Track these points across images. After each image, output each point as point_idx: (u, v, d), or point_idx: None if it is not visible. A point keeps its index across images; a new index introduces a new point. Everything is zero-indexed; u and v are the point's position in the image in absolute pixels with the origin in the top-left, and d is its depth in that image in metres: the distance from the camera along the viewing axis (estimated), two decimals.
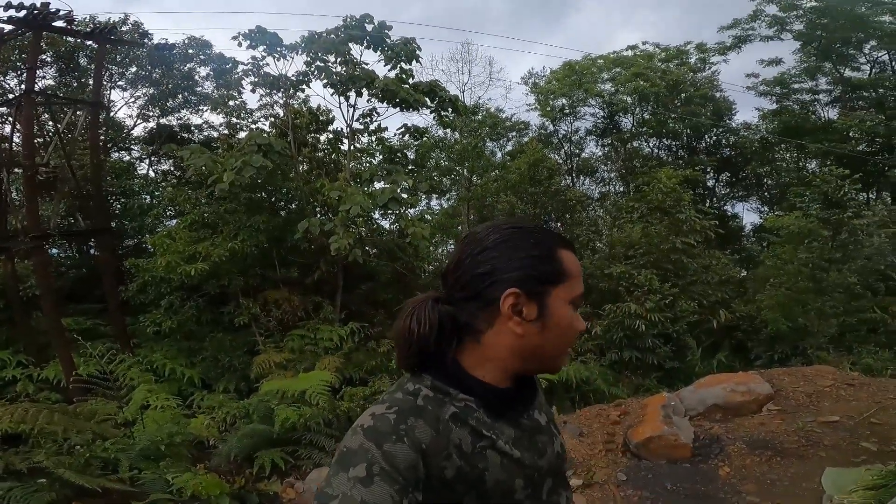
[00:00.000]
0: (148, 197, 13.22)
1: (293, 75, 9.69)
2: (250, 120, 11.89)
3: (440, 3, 34.12)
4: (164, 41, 12.22)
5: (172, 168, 14.82)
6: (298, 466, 5.29)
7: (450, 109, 9.71)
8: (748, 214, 18.57)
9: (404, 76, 9.19)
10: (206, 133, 14.82)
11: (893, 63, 16.65)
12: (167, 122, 14.73)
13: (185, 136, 14.56)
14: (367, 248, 10.43)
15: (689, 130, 16.99)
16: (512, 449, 0.91)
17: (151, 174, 15.22)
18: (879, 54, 16.69)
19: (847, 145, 15.34)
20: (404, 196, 9.16)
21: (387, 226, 11.71)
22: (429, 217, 10.28)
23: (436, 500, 0.84)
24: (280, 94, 10.52)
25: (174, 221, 11.67)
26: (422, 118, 11.18)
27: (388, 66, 9.15)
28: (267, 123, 11.52)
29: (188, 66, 13.31)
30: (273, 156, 9.16)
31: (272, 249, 10.56)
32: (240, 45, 9.41)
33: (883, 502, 2.98)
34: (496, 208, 10.59)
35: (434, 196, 12.95)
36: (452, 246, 13.35)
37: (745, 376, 5.57)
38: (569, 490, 1.05)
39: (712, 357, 9.92)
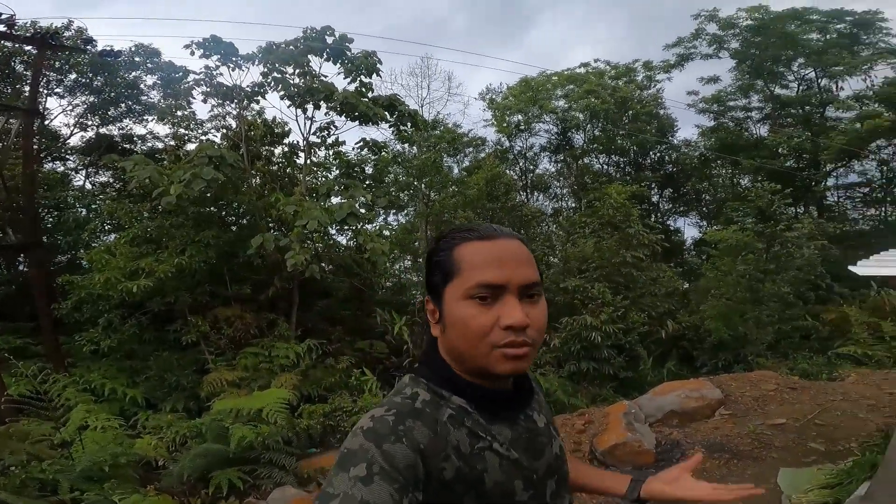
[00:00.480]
0: (84, 210, 12.53)
1: (248, 86, 9.47)
2: (200, 131, 11.50)
3: (401, 17, 34.60)
4: (108, 48, 11.71)
5: (111, 180, 14.10)
6: (258, 486, 5.16)
7: (409, 124, 9.73)
8: (689, 229, 19.56)
9: (364, 89, 9.16)
10: (150, 144, 14.21)
11: (819, 80, 17.70)
12: (107, 132, 14.02)
13: (127, 146, 13.90)
14: (323, 264, 10.26)
15: (635, 147, 17.65)
16: (509, 450, 0.92)
17: (88, 186, 14.43)
18: (806, 72, 17.77)
19: (777, 161, 16.43)
20: (362, 211, 9.08)
21: (343, 241, 11.58)
22: (387, 232, 10.22)
23: (436, 500, 0.85)
24: (233, 105, 10.23)
25: (112, 236, 11.09)
26: (380, 132, 11.19)
27: (348, 80, 9.10)
28: (218, 135, 11.18)
29: (134, 73, 12.76)
30: (225, 168, 8.88)
31: (222, 265, 10.23)
32: (192, 53, 9.10)
33: (840, 500, 3.17)
34: (454, 224, 10.67)
35: (392, 211, 12.92)
36: (409, 262, 13.35)
37: (698, 383, 5.84)
38: (571, 494, 1.06)
39: (662, 366, 10.33)
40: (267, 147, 10.84)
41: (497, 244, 0.93)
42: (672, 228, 18.16)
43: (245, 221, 11.21)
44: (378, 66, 9.02)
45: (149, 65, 12.41)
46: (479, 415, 0.92)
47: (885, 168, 17.73)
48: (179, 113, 10.89)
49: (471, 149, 16.44)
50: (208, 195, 9.49)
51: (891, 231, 17.24)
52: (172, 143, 11.97)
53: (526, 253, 0.95)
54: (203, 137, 11.19)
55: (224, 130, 11.21)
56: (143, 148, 13.86)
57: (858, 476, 3.42)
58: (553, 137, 17.94)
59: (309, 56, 8.96)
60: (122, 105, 13.41)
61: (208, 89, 9.68)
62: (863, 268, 3.29)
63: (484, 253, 0.91)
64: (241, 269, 10.57)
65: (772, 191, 11.72)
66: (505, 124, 17.15)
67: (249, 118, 10.52)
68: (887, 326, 11.08)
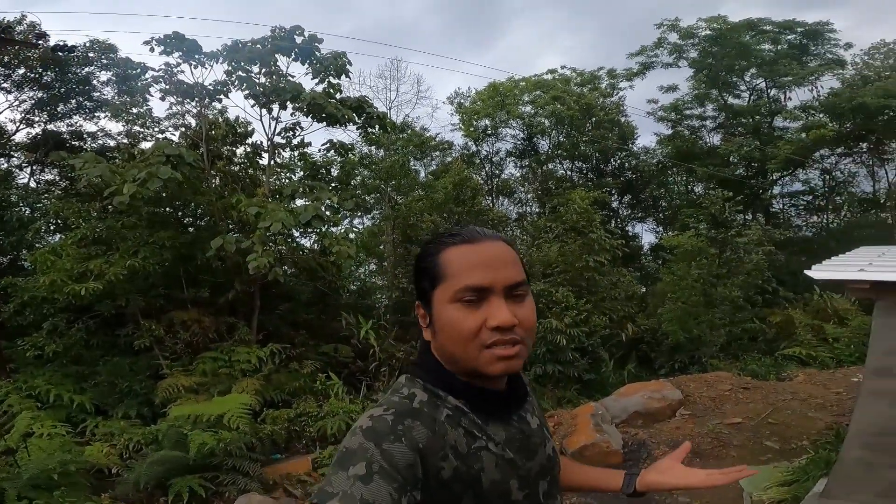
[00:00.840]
0: (28, 209, 11.87)
1: (211, 84, 9.18)
2: (157, 129, 11.08)
3: (371, 19, 34.36)
4: (62, 43, 11.18)
5: (58, 178, 13.42)
6: (221, 493, 5.05)
7: (377, 126, 9.65)
8: (646, 234, 20.15)
9: (332, 90, 9.02)
10: (100, 141, 13.60)
11: (769, 91, 18.43)
12: (55, 129, 13.33)
13: (76, 143, 13.27)
14: (285, 266, 10.04)
15: (597, 154, 17.96)
16: (504, 450, 0.95)
17: (33, 184, 13.67)
18: (758, 82, 18.43)
19: (728, 169, 17.10)
20: (328, 213, 8.94)
21: (307, 244, 11.37)
22: (352, 235, 10.11)
23: (434, 500, 0.86)
24: (194, 104, 9.89)
25: (58, 237, 10.55)
26: (346, 134, 11.05)
27: (316, 80, 8.94)
28: (177, 134, 10.80)
29: (87, 69, 12.20)
30: (183, 168, 8.58)
31: (179, 268, 9.89)
32: (152, 50, 8.75)
33: (799, 497, 3.32)
34: (420, 228, 10.67)
35: (357, 214, 12.75)
36: (374, 266, 13.24)
37: (659, 384, 6.01)
38: (561, 495, 1.08)
39: (622, 368, 10.60)
40: (228, 147, 10.54)
41: (481, 247, 0.95)
42: (630, 234, 18.66)
43: (203, 223, 10.88)
44: (348, 67, 8.90)
45: (104, 61, 11.90)
46: (475, 415, 0.94)
47: (827, 177, 18.75)
48: (135, 110, 10.46)
49: (438, 152, 16.46)
50: (164, 195, 9.18)
51: (832, 237, 18.28)
52: (125, 140, 11.50)
53: (511, 254, 0.98)
54: (159, 136, 10.80)
55: (183, 129, 10.84)
56: (94, 145, 13.27)
57: (814, 473, 3.60)
58: (519, 143, 18.12)
59: (276, 56, 8.76)
60: (73, 101, 12.81)
61: (167, 87, 9.33)
62: (818, 272, 3.47)
63: (469, 256, 0.93)
64: (199, 271, 10.25)
65: (724, 198, 12.22)
66: (472, 129, 17.20)
67: (211, 117, 10.20)
68: (829, 329, 11.73)
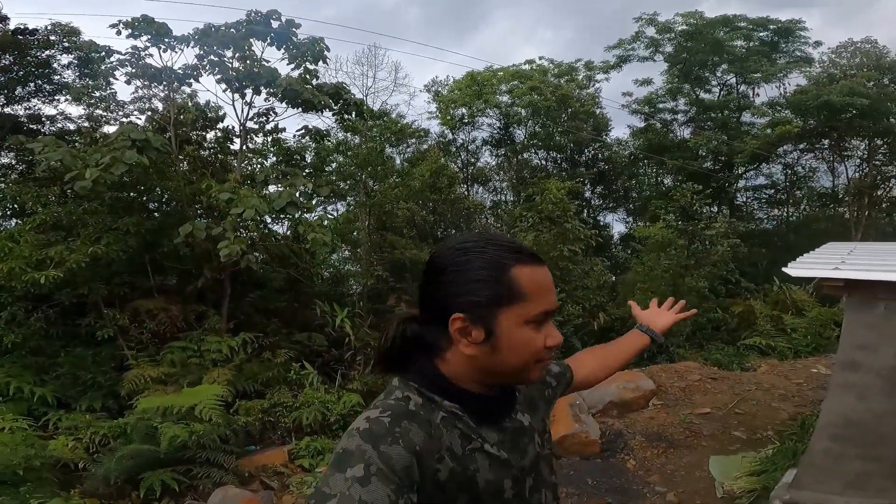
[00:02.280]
0: None
1: (180, 68, 8.86)
2: (121, 113, 10.65)
3: (353, 5, 34.29)
4: (23, 26, 10.64)
5: (15, 162, 12.77)
6: (195, 487, 4.97)
7: (353, 113, 9.47)
8: (616, 224, 20.52)
9: (308, 76, 8.80)
10: (60, 125, 13.00)
11: (739, 86, 18.79)
12: (12, 112, 12.69)
13: (35, 127, 12.66)
14: (256, 253, 9.83)
15: (572, 144, 18.11)
16: (499, 451, 0.97)
17: None
18: (729, 77, 18.79)
19: (697, 162, 17.50)
20: (303, 200, 8.76)
21: (279, 230, 11.15)
22: (325, 222, 9.97)
23: (431, 502, 0.87)
24: (162, 88, 9.54)
25: (15, 222, 10.07)
26: (321, 121, 10.83)
27: (292, 66, 8.71)
28: (142, 118, 10.41)
29: (47, 52, 11.64)
30: (150, 152, 8.27)
31: (144, 255, 9.59)
32: (119, 33, 8.39)
33: (768, 487, 3.46)
34: (396, 215, 10.56)
35: (333, 201, 12.54)
36: (348, 252, 13.09)
37: (633, 374, 6.15)
38: (551, 487, 1.11)
39: None
40: (198, 132, 10.20)
41: (545, 271, 0.98)
42: (602, 224, 18.96)
43: (170, 208, 10.55)
44: (325, 53, 8.68)
45: (65, 44, 11.36)
46: (470, 419, 0.96)
47: (789, 171, 19.41)
48: (98, 93, 10.01)
49: (413, 140, 16.33)
50: (127, 180, 8.86)
51: (791, 230, 18.99)
52: (87, 124, 11.01)
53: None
54: (124, 120, 10.40)
55: (149, 113, 10.46)
56: (52, 129, 12.67)
57: (781, 464, 3.75)
58: (495, 132, 18.10)
59: (251, 40, 8.49)
60: (31, 84, 12.22)
61: (134, 70, 8.97)
62: (794, 270, 3.59)
63: (542, 279, 0.97)
64: (166, 258, 9.97)
65: (693, 191, 12.50)
66: (449, 117, 17.07)
67: (179, 101, 9.86)
68: (788, 319, 12.20)
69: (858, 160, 18.21)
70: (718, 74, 18.78)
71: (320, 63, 8.90)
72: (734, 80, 18.66)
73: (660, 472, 4.18)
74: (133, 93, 10.34)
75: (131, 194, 10.04)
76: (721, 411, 5.51)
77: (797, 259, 4.01)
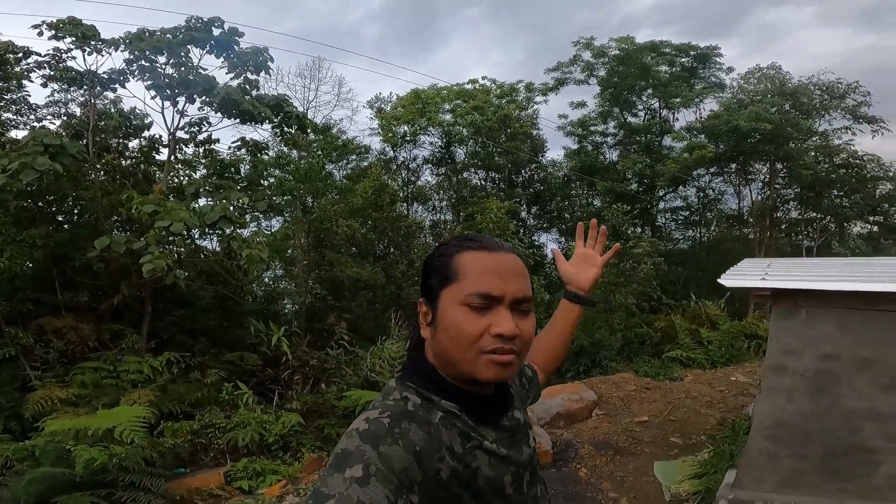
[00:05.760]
0: None
1: (105, 72, 8.29)
2: (33, 117, 9.80)
3: (316, 19, 33.98)
4: None
5: None
6: None
7: (294, 126, 9.21)
8: (550, 244, 21.16)
9: (248, 86, 8.48)
10: None
11: (661, 110, 19.88)
12: None
13: None
14: (181, 269, 9.29)
15: (510, 165, 18.44)
16: (498, 448, 0.97)
17: None
18: (653, 102, 19.83)
19: (624, 185, 18.43)
20: (237, 215, 8.37)
21: (209, 246, 10.58)
22: (260, 238, 9.54)
23: (434, 501, 0.86)
24: (82, 92, 8.89)
25: None
26: (257, 133, 10.45)
27: (231, 75, 8.37)
28: (57, 122, 9.63)
29: None
30: (64, 159, 7.66)
31: (52, 269, 8.86)
32: (41, 34, 7.77)
33: (711, 488, 3.63)
34: (335, 233, 10.31)
35: (270, 216, 12.04)
36: (282, 270, 12.61)
37: (576, 386, 6.33)
38: (542, 481, 1.12)
39: None
40: (120, 139, 9.55)
41: (497, 256, 0.96)
42: (537, 243, 19.50)
43: (83, 220, 9.79)
44: (269, 63, 8.41)
45: None
46: (467, 417, 0.96)
47: (701, 194, 20.94)
48: (8, 96, 9.18)
49: (354, 156, 16.05)
50: (33, 189, 8.15)
51: (703, 250, 20.46)
52: None
53: (523, 268, 0.99)
54: (36, 124, 9.58)
55: (65, 118, 9.70)
56: None
57: (720, 466, 3.97)
58: (437, 150, 18.13)
59: (189, 47, 8.08)
60: None
61: (53, 73, 8.31)
62: (727, 281, 3.85)
63: (485, 263, 0.94)
64: (77, 273, 9.26)
65: (623, 212, 13.18)
66: (391, 134, 16.97)
67: (100, 106, 9.21)
68: (704, 332, 13.06)
69: (761, 184, 19.89)
70: (644, 99, 19.81)
71: (262, 73, 8.64)
72: (657, 104, 19.78)
73: (610, 478, 4.31)
74: (48, 96, 9.58)
75: (39, 204, 9.28)
76: (657, 419, 5.77)
77: (726, 273, 4.30)
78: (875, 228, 20.20)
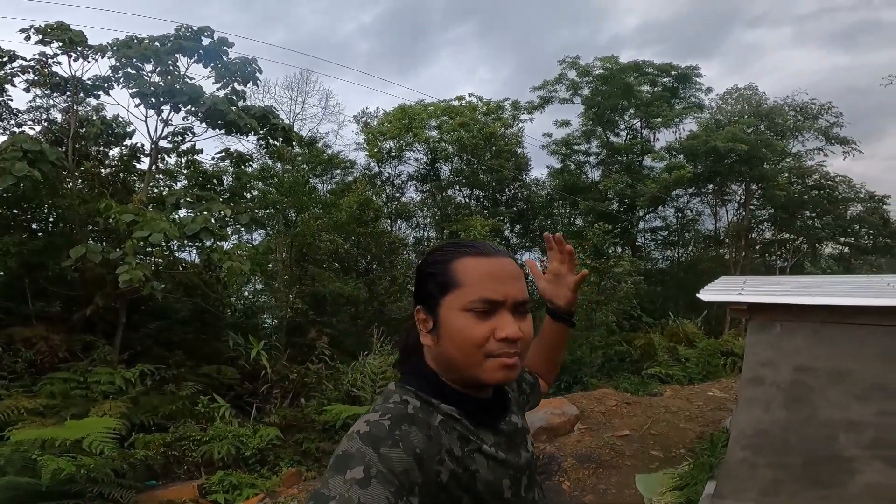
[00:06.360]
0: None
1: (90, 79, 8.21)
2: (13, 122, 9.64)
3: (307, 32, 33.94)
4: None
5: None
6: None
7: (280, 139, 9.17)
8: (528, 258, 21.20)
9: (235, 97, 8.45)
10: None
11: (643, 130, 19.94)
12: None
13: None
14: (158, 281, 9.14)
15: (494, 183, 18.44)
16: (497, 451, 0.98)
17: None
18: (635, 121, 19.89)
19: (605, 204, 18.58)
20: (218, 227, 8.28)
21: (187, 257, 10.41)
22: (241, 251, 9.40)
23: (433, 503, 0.87)
24: (65, 98, 8.79)
25: None
26: (241, 144, 10.37)
27: (219, 85, 8.34)
28: (37, 128, 9.49)
29: None
30: (43, 165, 7.53)
31: (23, 278, 8.65)
32: (28, 38, 7.68)
33: (692, 499, 3.66)
34: (318, 247, 10.22)
35: (251, 229, 11.91)
36: (262, 284, 12.44)
37: (559, 401, 6.36)
38: (540, 486, 1.14)
39: None
40: (101, 147, 9.43)
41: (496, 261, 0.98)
42: (519, 263, 19.45)
43: (58, 228, 9.60)
44: (257, 74, 8.41)
45: None
46: (467, 420, 0.97)
47: (680, 215, 21.28)
48: None
49: (339, 171, 15.97)
50: (8, 195, 7.97)
51: (681, 269, 20.77)
52: None
53: (519, 271, 1.01)
54: (16, 129, 9.44)
55: (46, 124, 9.56)
56: None
57: (700, 477, 4.01)
58: (422, 167, 18.06)
59: (177, 55, 8.05)
60: None
61: (37, 77, 8.21)
62: (706, 295, 3.94)
63: (485, 268, 0.96)
64: (50, 283, 9.05)
65: (605, 231, 13.36)
66: (377, 149, 16.89)
67: (82, 113, 9.10)
68: (682, 350, 13.23)
69: (737, 204, 20.26)
70: (626, 118, 19.95)
71: (250, 85, 8.63)
72: (639, 124, 19.94)
73: (593, 491, 4.31)
74: (30, 101, 9.44)
75: (14, 210, 9.08)
76: (638, 433, 5.82)
77: (705, 288, 4.40)
78: (846, 249, 20.65)
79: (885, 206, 19.29)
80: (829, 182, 19.02)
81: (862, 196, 19.23)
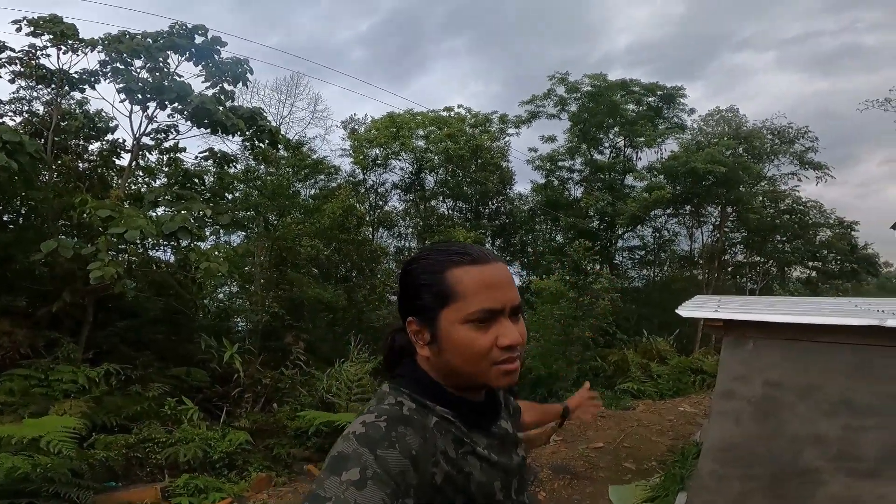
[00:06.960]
0: None
1: (76, 72, 8.07)
2: None
3: (302, 37, 34.43)
4: None
5: None
6: None
7: (266, 141, 9.09)
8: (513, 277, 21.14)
9: (223, 97, 8.36)
10: None
11: (626, 149, 20.22)
12: None
13: None
14: (131, 279, 8.93)
15: (478, 196, 18.51)
16: (490, 454, 0.99)
17: None
18: (619, 140, 20.15)
19: (586, 221, 18.76)
20: (197, 226, 8.14)
21: (161, 256, 10.21)
22: (218, 252, 9.24)
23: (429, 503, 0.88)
24: (49, 90, 8.61)
25: None
26: (225, 145, 10.26)
27: (208, 84, 8.25)
28: (17, 119, 9.27)
29: None
30: (22, 157, 7.35)
31: None
32: (19, 30, 7.54)
33: None
34: (298, 252, 10.09)
35: (232, 231, 11.73)
36: (237, 287, 12.24)
37: None
38: (529, 491, 1.15)
39: None
40: (81, 141, 9.24)
41: (490, 268, 0.97)
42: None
43: (29, 221, 9.35)
44: (248, 75, 8.33)
45: None
46: (461, 423, 0.97)
47: (657, 235, 21.64)
48: None
49: (322, 176, 15.85)
50: None
51: (656, 289, 21.10)
52: None
53: (510, 274, 1.01)
54: None
55: (27, 115, 9.35)
56: None
57: (671, 489, 4.06)
58: (407, 176, 18.05)
59: (168, 52, 7.95)
60: None
61: (23, 69, 8.04)
62: (684, 311, 4.02)
63: (482, 278, 0.95)
64: (18, 277, 8.79)
65: (586, 248, 13.55)
66: (362, 156, 16.81)
67: (65, 106, 8.92)
68: (654, 367, 13.41)
69: (712, 226, 20.66)
70: (611, 136, 20.23)
71: (239, 85, 8.55)
72: (622, 142, 20.20)
73: (568, 502, 4.33)
74: (13, 92, 9.24)
75: None
76: (612, 445, 5.89)
77: (683, 304, 4.50)
78: (814, 273, 21.21)
79: (853, 232, 19.88)
80: (801, 207, 19.52)
81: (832, 221, 19.76)
